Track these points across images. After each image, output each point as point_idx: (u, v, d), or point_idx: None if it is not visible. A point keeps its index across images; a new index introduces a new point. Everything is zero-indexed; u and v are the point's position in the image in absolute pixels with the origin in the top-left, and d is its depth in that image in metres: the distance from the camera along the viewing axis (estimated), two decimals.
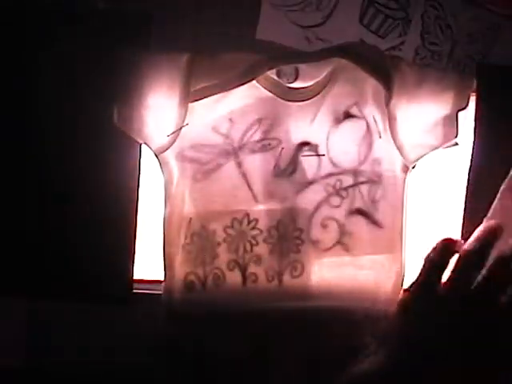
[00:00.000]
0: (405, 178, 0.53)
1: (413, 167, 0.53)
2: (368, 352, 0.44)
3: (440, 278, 0.45)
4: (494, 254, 0.45)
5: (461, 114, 0.51)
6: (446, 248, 0.46)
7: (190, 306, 0.52)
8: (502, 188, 0.51)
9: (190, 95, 0.50)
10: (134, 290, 0.55)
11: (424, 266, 0.46)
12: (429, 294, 0.45)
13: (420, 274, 0.46)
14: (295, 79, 0.51)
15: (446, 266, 0.45)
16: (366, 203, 0.53)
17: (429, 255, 0.46)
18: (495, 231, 0.46)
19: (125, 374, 0.57)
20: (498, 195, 0.51)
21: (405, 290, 0.51)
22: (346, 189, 0.53)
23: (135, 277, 0.54)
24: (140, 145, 0.52)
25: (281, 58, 0.50)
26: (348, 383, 0.43)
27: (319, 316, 0.52)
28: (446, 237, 0.46)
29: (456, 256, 0.45)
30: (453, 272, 0.45)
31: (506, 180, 0.51)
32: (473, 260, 0.44)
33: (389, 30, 0.55)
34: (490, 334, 0.42)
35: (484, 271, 0.43)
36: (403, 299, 0.47)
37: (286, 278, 0.52)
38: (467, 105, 0.52)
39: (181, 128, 0.51)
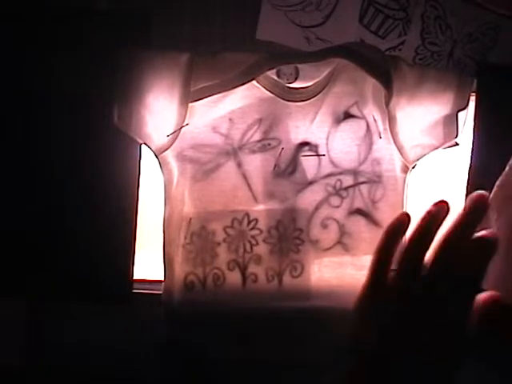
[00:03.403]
0: (405, 178, 0.53)
1: (413, 167, 0.53)
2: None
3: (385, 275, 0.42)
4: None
5: (461, 114, 0.51)
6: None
7: (190, 306, 0.52)
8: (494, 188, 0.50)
9: (189, 95, 0.50)
10: (134, 290, 0.55)
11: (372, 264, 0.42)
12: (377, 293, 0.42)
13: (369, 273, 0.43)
14: (295, 79, 0.51)
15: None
16: (366, 203, 0.53)
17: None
18: (436, 215, 0.42)
19: (125, 374, 0.57)
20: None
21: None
22: (346, 189, 0.53)
23: (135, 277, 0.54)
24: (140, 145, 0.52)
25: (281, 57, 0.50)
26: None
27: (319, 316, 0.52)
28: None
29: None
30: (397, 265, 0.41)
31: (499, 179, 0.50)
32: (414, 250, 0.41)
33: (389, 30, 0.55)
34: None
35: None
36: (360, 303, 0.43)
37: (286, 278, 0.52)
38: (467, 105, 0.52)
39: (181, 128, 0.51)
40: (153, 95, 0.50)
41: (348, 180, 0.53)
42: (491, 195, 0.51)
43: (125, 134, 0.50)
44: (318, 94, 0.52)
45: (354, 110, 0.52)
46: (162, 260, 0.52)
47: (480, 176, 0.54)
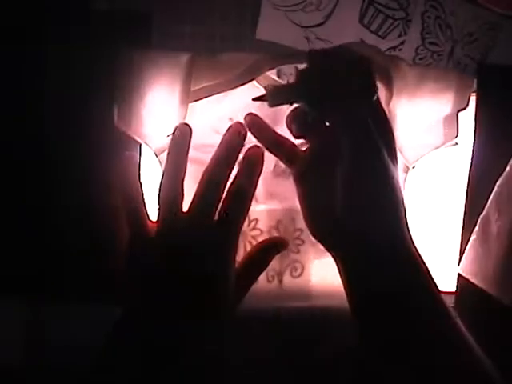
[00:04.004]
0: (405, 178, 0.53)
1: (413, 167, 0.53)
2: None
3: None
4: None
5: (461, 114, 0.51)
6: None
7: None
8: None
9: (190, 95, 0.50)
10: None
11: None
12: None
13: None
14: None
15: None
16: None
17: None
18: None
19: (124, 374, 0.57)
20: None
21: None
22: None
23: None
24: (140, 145, 0.52)
25: (281, 57, 0.50)
26: None
27: (319, 316, 0.52)
28: None
29: None
30: None
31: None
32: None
33: (389, 30, 0.55)
34: None
35: None
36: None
37: (286, 278, 0.52)
38: (467, 105, 0.52)
39: None
40: (153, 95, 0.50)
41: None
42: (492, 195, 0.52)
43: (125, 134, 0.50)
44: None
45: None
46: None
47: (480, 176, 0.54)
